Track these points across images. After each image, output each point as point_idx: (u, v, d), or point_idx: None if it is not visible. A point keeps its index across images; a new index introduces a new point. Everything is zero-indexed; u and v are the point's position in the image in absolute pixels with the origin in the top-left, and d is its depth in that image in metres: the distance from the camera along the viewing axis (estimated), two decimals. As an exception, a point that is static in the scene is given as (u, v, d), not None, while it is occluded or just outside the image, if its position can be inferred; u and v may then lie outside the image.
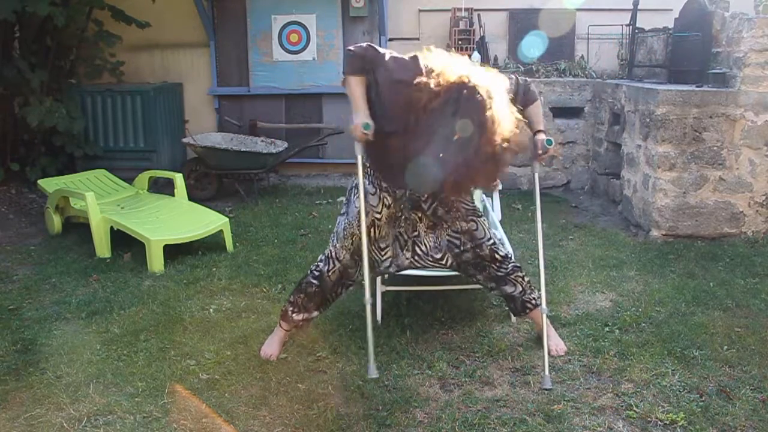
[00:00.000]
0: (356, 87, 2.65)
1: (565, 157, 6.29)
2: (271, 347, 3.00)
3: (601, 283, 3.83)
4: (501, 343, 3.10)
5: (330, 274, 2.93)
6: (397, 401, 2.63)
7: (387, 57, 2.63)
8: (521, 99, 2.78)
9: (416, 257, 2.95)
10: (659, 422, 2.48)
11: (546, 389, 2.71)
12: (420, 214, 2.91)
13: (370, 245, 2.86)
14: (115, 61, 6.45)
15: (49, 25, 5.77)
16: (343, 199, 3.02)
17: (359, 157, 2.74)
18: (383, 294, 3.35)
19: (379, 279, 3.30)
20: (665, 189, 4.60)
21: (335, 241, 2.92)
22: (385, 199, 2.83)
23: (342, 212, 2.96)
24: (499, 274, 2.98)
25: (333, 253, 2.92)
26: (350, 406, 2.61)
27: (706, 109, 4.49)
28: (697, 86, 4.66)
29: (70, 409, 2.57)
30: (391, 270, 3.00)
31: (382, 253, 2.92)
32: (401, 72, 2.56)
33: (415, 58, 2.60)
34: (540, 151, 2.80)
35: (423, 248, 2.93)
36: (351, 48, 2.67)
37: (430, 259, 2.95)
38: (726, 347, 3.03)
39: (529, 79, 2.89)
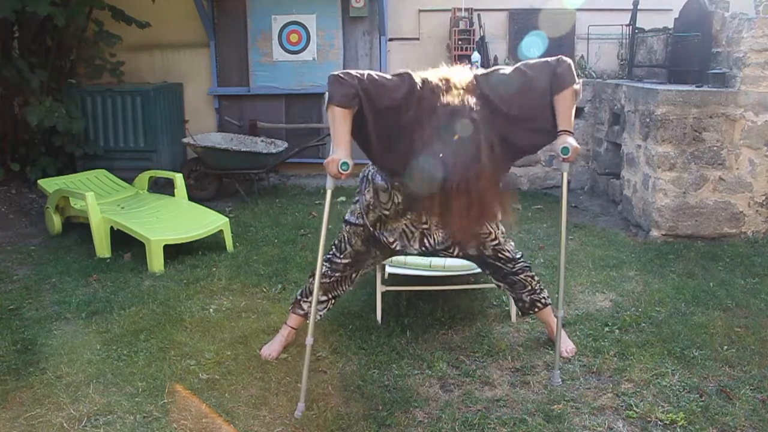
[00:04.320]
0: (341, 120, 2.40)
1: (565, 157, 6.28)
2: (271, 347, 3.01)
3: (601, 283, 3.83)
4: (501, 343, 3.10)
5: (342, 256, 2.93)
6: (397, 401, 2.63)
7: (374, 86, 2.42)
8: (551, 85, 2.50)
9: (424, 247, 2.92)
10: (659, 422, 2.48)
11: (556, 385, 2.74)
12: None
13: (379, 230, 2.85)
14: (115, 61, 6.44)
15: (49, 25, 5.77)
16: (343, 198, 3.01)
17: (329, 192, 2.60)
18: (383, 294, 3.35)
19: (378, 279, 3.31)
20: (665, 189, 4.60)
21: (346, 226, 2.93)
22: (395, 197, 2.80)
23: (355, 200, 2.97)
24: (506, 271, 2.96)
25: (345, 238, 2.92)
26: (350, 406, 2.61)
27: (706, 109, 4.49)
28: (697, 86, 4.66)
29: (71, 408, 2.57)
30: (399, 253, 2.99)
31: (391, 240, 2.88)
32: (385, 99, 2.42)
33: (404, 76, 2.47)
34: (562, 158, 2.55)
35: (432, 240, 2.89)
36: (340, 75, 2.41)
37: (439, 246, 2.92)
38: (726, 347, 3.03)
39: (569, 60, 2.57)
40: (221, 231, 4.51)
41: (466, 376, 2.82)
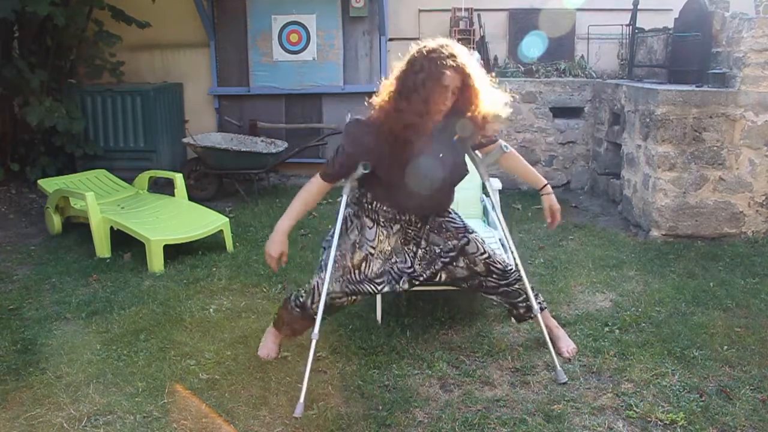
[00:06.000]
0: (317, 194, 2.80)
1: (565, 157, 6.28)
2: (266, 347, 2.99)
3: (601, 283, 3.83)
4: (501, 343, 3.10)
5: (313, 305, 2.74)
6: (397, 401, 2.63)
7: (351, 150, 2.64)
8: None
9: (413, 284, 2.85)
10: (659, 422, 2.48)
11: (562, 383, 2.74)
12: (414, 248, 2.82)
13: (364, 279, 2.78)
14: (115, 61, 6.45)
15: (49, 25, 5.77)
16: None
17: (344, 198, 2.78)
18: (383, 294, 3.34)
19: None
20: (665, 189, 4.60)
21: (322, 272, 2.75)
22: (380, 234, 2.77)
23: (324, 245, 2.89)
24: (499, 284, 2.91)
25: (318, 286, 2.74)
26: (350, 406, 2.61)
27: (706, 109, 4.49)
28: (697, 86, 4.66)
29: (70, 409, 2.57)
30: (386, 290, 2.86)
31: (378, 284, 2.79)
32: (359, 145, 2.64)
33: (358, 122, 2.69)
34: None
35: (422, 278, 2.84)
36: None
37: (425, 278, 2.84)
38: (726, 347, 3.03)
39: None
40: (221, 231, 4.51)
41: (466, 376, 2.82)
